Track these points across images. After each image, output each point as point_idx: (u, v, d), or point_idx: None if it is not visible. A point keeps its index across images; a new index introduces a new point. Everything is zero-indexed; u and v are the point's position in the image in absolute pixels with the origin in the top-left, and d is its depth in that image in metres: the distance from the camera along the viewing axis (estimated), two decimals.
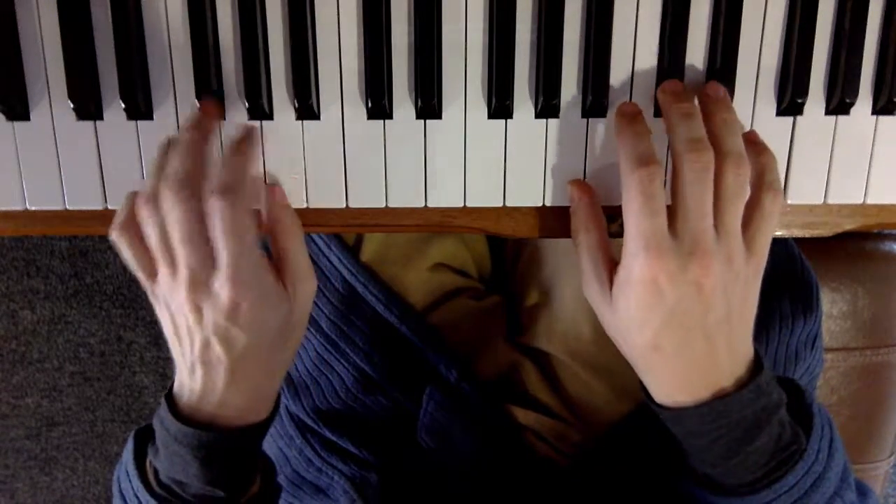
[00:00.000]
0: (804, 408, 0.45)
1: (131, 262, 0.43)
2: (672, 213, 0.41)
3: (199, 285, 0.41)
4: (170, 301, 0.43)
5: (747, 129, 0.46)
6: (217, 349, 0.43)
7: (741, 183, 0.40)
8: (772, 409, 0.42)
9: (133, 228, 0.43)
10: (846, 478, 0.45)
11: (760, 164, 0.43)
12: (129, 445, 0.49)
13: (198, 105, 0.45)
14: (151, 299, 0.45)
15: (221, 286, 0.41)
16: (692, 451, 0.45)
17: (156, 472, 0.47)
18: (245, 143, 0.44)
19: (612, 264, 0.43)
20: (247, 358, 0.43)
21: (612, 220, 0.46)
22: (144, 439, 0.48)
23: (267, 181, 0.47)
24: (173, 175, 0.41)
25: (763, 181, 0.42)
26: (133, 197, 0.43)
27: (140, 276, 0.44)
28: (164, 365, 1.40)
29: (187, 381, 0.45)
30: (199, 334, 0.42)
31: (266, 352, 0.44)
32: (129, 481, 0.47)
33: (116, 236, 0.43)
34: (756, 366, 0.43)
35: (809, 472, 0.42)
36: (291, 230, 0.45)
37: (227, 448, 0.45)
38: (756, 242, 0.42)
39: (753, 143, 0.44)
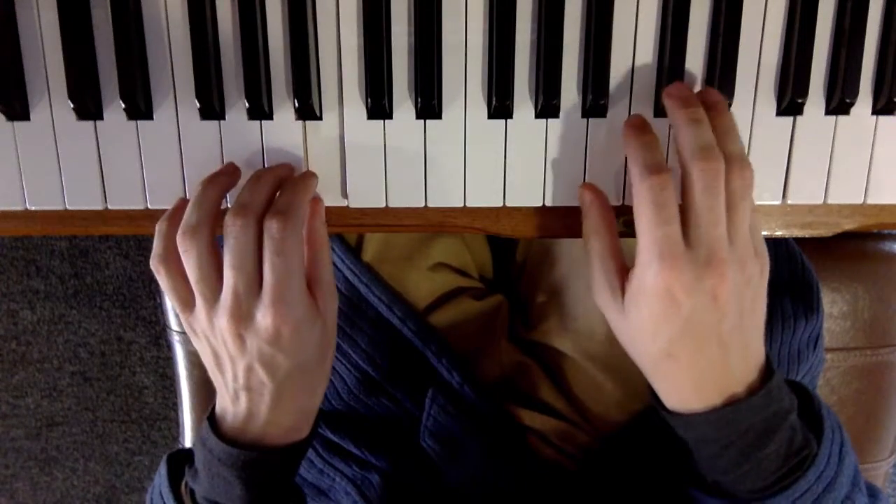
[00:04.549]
0: (814, 412, 0.45)
1: (169, 291, 0.44)
2: (685, 221, 0.40)
3: (242, 313, 0.41)
4: (208, 331, 0.43)
5: (748, 133, 0.46)
6: (261, 374, 0.43)
7: (747, 185, 0.40)
8: (783, 415, 0.42)
9: (171, 259, 0.43)
10: (857, 481, 0.45)
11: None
12: (163, 469, 0.49)
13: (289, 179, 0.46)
14: (188, 331, 0.45)
15: (265, 313, 0.41)
16: (703, 458, 0.44)
17: (192, 493, 0.47)
18: (308, 177, 0.45)
19: (623, 271, 0.43)
20: (289, 380, 0.44)
21: None
22: (179, 462, 0.49)
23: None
24: (241, 203, 0.42)
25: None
26: (165, 227, 0.44)
27: (177, 306, 0.44)
28: (164, 365, 1.40)
29: (231, 406, 0.45)
30: (243, 361, 0.43)
31: (307, 372, 0.45)
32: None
33: (156, 267, 0.44)
34: (767, 371, 0.43)
35: (821, 476, 0.42)
36: (325, 247, 0.45)
37: (271, 468, 0.45)
38: (755, 240, 0.42)
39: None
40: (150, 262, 0.44)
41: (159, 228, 0.44)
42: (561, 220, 0.48)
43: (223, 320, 0.42)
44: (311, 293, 0.44)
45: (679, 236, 0.39)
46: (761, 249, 0.42)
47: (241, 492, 0.45)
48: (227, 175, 0.45)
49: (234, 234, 0.41)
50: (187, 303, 0.44)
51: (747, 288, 0.41)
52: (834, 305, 0.74)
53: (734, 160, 0.40)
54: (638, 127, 0.44)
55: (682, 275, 0.39)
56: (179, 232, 0.42)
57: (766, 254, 0.42)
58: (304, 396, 0.46)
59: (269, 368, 0.43)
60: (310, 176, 0.46)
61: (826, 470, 0.42)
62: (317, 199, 0.46)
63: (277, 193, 0.44)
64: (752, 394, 0.42)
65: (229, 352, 0.43)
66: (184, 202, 0.45)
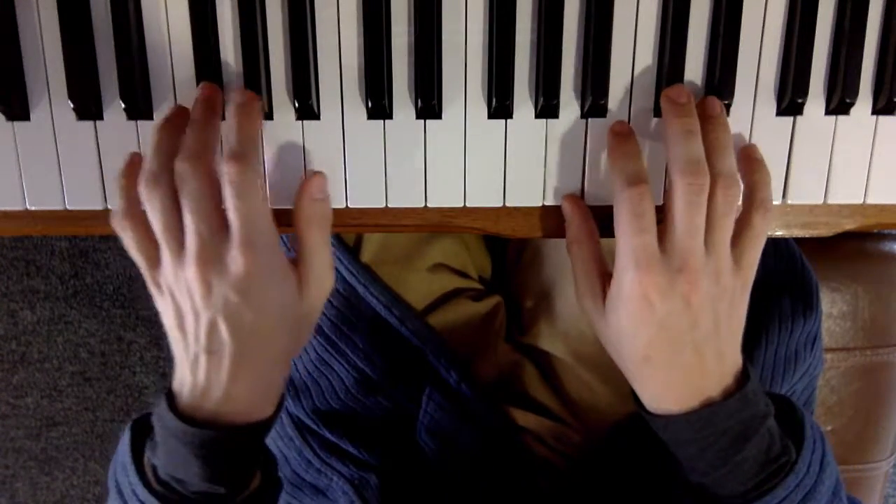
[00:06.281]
0: (796, 422, 0.46)
1: (134, 248, 0.43)
2: (663, 228, 0.42)
3: (210, 256, 0.41)
4: (174, 285, 0.43)
5: (748, 133, 0.46)
6: (223, 331, 0.42)
7: (731, 202, 0.42)
8: (759, 419, 0.43)
9: (135, 214, 0.43)
10: (838, 492, 0.45)
11: (753, 181, 0.44)
12: (126, 439, 0.48)
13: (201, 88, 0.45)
14: (153, 290, 0.44)
15: (234, 254, 0.41)
16: (684, 460, 0.45)
17: (154, 468, 0.46)
18: (249, 105, 0.44)
19: (604, 276, 0.44)
20: (251, 342, 0.43)
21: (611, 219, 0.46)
22: (141, 433, 0.48)
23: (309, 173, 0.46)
24: (187, 148, 0.41)
25: (754, 199, 0.44)
26: (125, 183, 0.43)
27: (142, 263, 0.44)
28: (164, 365, 1.40)
29: (189, 376, 0.44)
30: (206, 315, 0.42)
31: (270, 337, 0.44)
32: (127, 476, 0.47)
33: (118, 223, 0.43)
34: (743, 376, 0.44)
35: (800, 485, 0.43)
36: (316, 221, 0.45)
37: (230, 447, 0.44)
38: (744, 258, 0.43)
39: (751, 158, 0.45)
40: (113, 220, 0.43)
41: (120, 185, 0.43)
42: (561, 220, 0.48)
43: (190, 269, 0.41)
44: (298, 265, 0.44)
45: (655, 244, 0.41)
46: (747, 265, 0.43)
47: (198, 469, 0.43)
48: (178, 117, 0.44)
49: (186, 180, 0.41)
50: (153, 259, 0.43)
51: (723, 299, 0.42)
52: (834, 305, 0.74)
53: (722, 177, 0.42)
54: (621, 135, 0.45)
55: (656, 279, 0.41)
56: (142, 183, 0.42)
57: (752, 268, 0.43)
58: (265, 367, 0.45)
59: (232, 324, 0.42)
60: (251, 101, 0.44)
61: (805, 479, 0.43)
62: (312, 179, 0.45)
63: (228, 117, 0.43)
64: (727, 397, 0.43)
65: (194, 305, 0.42)
66: (137, 156, 0.45)
